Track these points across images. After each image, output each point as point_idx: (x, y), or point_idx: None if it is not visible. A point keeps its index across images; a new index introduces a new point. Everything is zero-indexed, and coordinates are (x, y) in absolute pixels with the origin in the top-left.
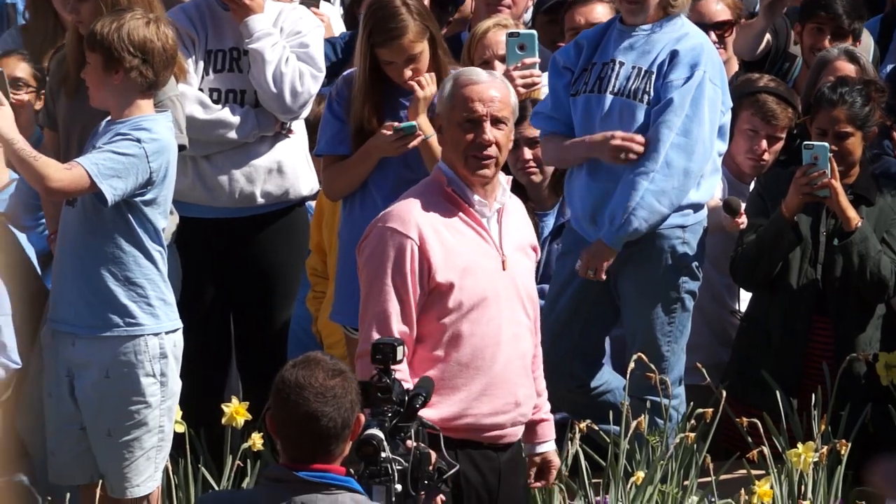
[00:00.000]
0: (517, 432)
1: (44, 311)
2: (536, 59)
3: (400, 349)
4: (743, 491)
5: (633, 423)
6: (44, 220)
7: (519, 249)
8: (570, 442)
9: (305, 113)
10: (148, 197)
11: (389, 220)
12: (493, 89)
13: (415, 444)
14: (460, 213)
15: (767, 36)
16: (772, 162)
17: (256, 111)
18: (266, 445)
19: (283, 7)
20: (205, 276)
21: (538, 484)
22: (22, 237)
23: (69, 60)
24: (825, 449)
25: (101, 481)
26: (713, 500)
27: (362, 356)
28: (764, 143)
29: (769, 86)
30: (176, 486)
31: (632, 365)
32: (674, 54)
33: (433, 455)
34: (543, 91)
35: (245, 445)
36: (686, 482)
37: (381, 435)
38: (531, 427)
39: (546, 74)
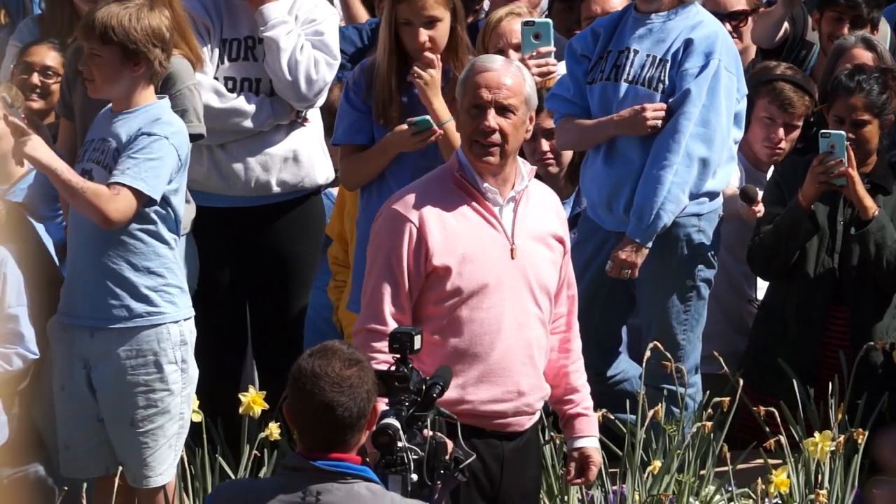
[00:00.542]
0: (523, 422)
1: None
2: (552, 48)
3: (417, 338)
4: (760, 480)
5: (650, 413)
6: (62, 211)
7: (537, 239)
8: None
9: (321, 101)
10: (172, 186)
11: (394, 203)
12: (505, 77)
13: (431, 433)
14: (469, 200)
15: (785, 24)
16: (789, 150)
17: (272, 100)
18: (283, 435)
19: None
20: (221, 265)
21: (578, 481)
22: (40, 227)
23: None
24: (842, 438)
25: (118, 471)
26: (730, 489)
27: (356, 334)
28: (781, 132)
29: (786, 74)
30: (193, 475)
31: (647, 353)
32: (688, 42)
33: (450, 444)
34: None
35: (262, 435)
36: (703, 471)
37: (398, 424)
38: (568, 422)
39: (562, 63)
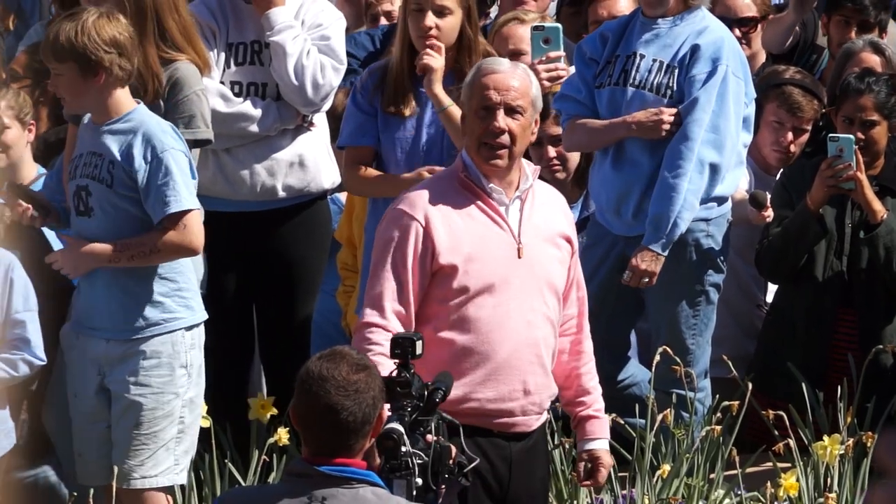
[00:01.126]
0: (531, 422)
1: (69, 308)
2: (561, 53)
3: (419, 343)
4: (769, 483)
5: (659, 417)
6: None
7: (544, 238)
8: None
9: (327, 106)
10: None
11: (400, 203)
12: (512, 79)
13: (435, 438)
14: (475, 200)
15: (796, 28)
16: (797, 154)
17: (278, 104)
18: (292, 440)
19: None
20: (227, 270)
21: (587, 483)
22: (50, 234)
23: None
24: (851, 441)
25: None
26: (739, 492)
27: (357, 330)
28: (790, 135)
29: (795, 78)
30: (202, 481)
31: (657, 358)
32: (695, 48)
33: (453, 449)
34: None
35: (271, 440)
36: (712, 475)
37: (402, 429)
38: (580, 424)
39: (572, 67)
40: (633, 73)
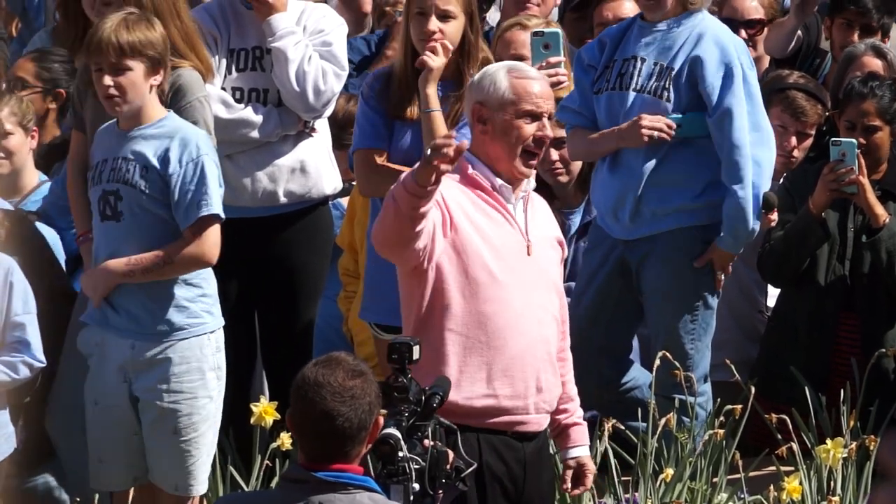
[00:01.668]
0: (541, 421)
1: (72, 312)
2: (562, 58)
3: (416, 348)
4: (772, 487)
5: (662, 421)
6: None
7: (545, 240)
8: (598, 440)
9: (328, 112)
10: None
11: None
12: (547, 85)
13: (432, 442)
14: (486, 196)
15: (798, 32)
16: (801, 159)
17: (279, 110)
18: (294, 445)
19: (306, 5)
20: (229, 275)
21: (576, 491)
22: (55, 238)
23: None
24: (854, 445)
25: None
26: (742, 496)
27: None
28: (793, 140)
29: (798, 82)
30: None
31: (657, 363)
32: (699, 56)
33: (450, 454)
34: (570, 89)
35: (273, 445)
36: (715, 479)
37: (399, 434)
38: (563, 431)
39: (572, 72)
40: (635, 77)
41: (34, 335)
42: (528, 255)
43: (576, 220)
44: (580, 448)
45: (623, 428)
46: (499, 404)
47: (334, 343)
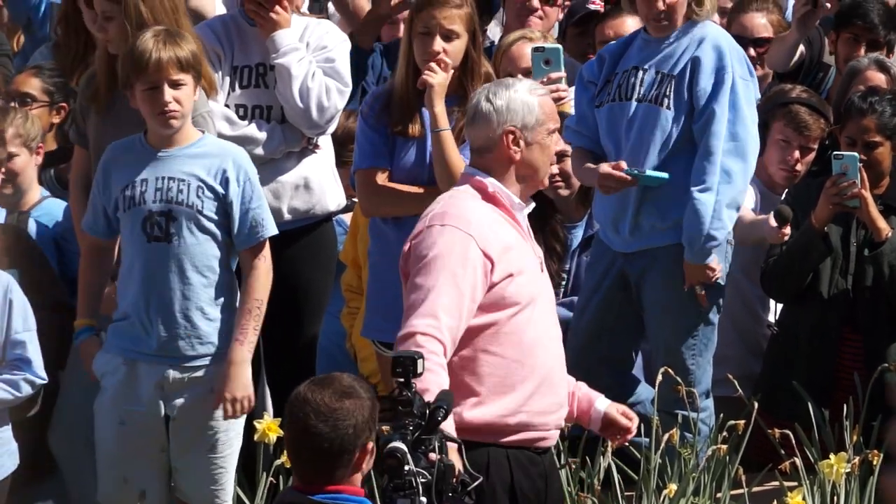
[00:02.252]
0: (556, 436)
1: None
2: (562, 74)
3: (420, 362)
4: (775, 502)
5: (665, 437)
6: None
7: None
8: (602, 455)
9: (332, 128)
10: None
11: (448, 220)
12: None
13: (438, 456)
14: (506, 217)
15: (801, 46)
16: (804, 173)
17: (283, 127)
18: None
19: (310, 22)
20: None
21: (626, 438)
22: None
23: (99, 78)
24: (857, 460)
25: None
26: None
27: (405, 339)
28: (797, 154)
29: (802, 97)
30: None
31: (659, 378)
32: (696, 60)
33: (457, 467)
34: (570, 105)
35: (278, 462)
36: (718, 494)
37: (405, 448)
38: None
39: (573, 89)
40: (638, 86)
41: (35, 352)
42: (542, 272)
43: (578, 234)
44: (602, 399)
45: (626, 444)
46: (530, 421)
47: (337, 359)
